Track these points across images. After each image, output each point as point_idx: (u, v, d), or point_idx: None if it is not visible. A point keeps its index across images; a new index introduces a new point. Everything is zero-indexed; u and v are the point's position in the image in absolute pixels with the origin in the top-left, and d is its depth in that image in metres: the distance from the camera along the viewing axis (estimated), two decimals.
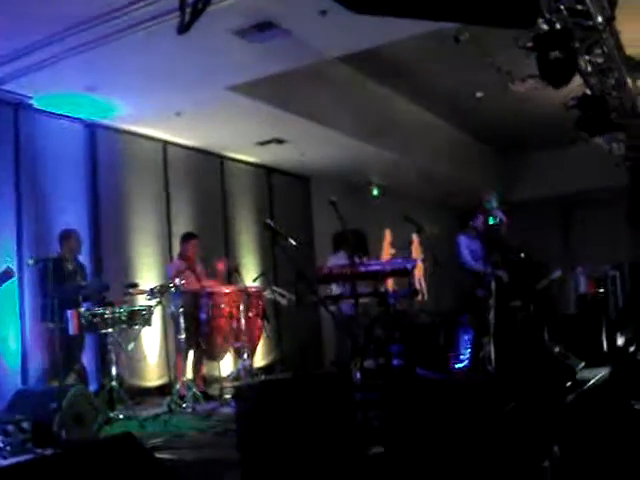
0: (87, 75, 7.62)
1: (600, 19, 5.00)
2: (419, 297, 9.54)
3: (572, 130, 8.68)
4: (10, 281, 6.37)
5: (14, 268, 6.80)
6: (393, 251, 12.91)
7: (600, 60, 5.98)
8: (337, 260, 8.81)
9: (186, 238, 8.93)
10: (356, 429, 4.22)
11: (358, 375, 7.31)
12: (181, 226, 10.00)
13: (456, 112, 12.90)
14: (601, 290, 11.70)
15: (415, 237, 13.24)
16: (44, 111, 8.51)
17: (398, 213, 13.72)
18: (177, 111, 9.19)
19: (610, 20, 5.07)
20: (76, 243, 7.79)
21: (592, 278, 12.50)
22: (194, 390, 7.73)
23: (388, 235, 13.40)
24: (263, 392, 4.09)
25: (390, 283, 9.02)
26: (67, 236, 7.73)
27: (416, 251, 13.05)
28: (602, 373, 7.90)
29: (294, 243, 6.48)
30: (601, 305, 11.17)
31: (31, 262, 6.38)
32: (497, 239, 8.63)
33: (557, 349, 7.66)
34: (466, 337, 9.54)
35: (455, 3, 1.64)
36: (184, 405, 7.58)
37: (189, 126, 9.82)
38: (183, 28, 1.50)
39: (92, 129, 9.20)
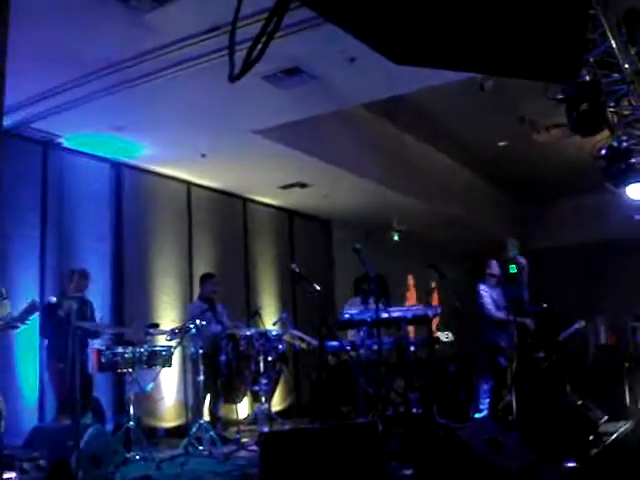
0: (116, 116, 7.73)
1: (628, 71, 5.02)
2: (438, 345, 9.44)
3: (596, 179, 8.68)
4: (35, 315, 6.39)
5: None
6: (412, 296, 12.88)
7: (627, 112, 5.99)
8: (352, 306, 8.80)
9: (205, 278, 8.94)
10: None
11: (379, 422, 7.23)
12: (203, 267, 10.02)
13: (478, 159, 12.93)
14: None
15: (435, 284, 13.21)
16: (72, 150, 8.63)
17: (417, 259, 13.77)
18: (202, 153, 9.27)
19: (638, 72, 5.08)
20: (82, 280, 7.71)
21: (612, 329, 12.39)
22: (211, 433, 7.67)
23: (412, 281, 13.38)
24: (289, 440, 4.05)
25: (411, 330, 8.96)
26: (71, 275, 7.68)
27: (436, 298, 12.99)
28: (625, 426, 7.78)
29: (318, 288, 6.48)
30: (622, 357, 11.03)
31: (54, 300, 6.41)
32: (518, 288, 8.56)
33: (579, 401, 7.54)
34: (486, 386, 9.44)
35: (501, 57, 1.65)
36: (201, 447, 7.51)
37: (214, 168, 9.90)
38: (234, 77, 1.51)
39: (118, 169, 9.29)
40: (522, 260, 8.49)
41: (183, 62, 6.75)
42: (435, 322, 9.79)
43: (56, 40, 6.16)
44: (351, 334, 8.45)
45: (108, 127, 8.03)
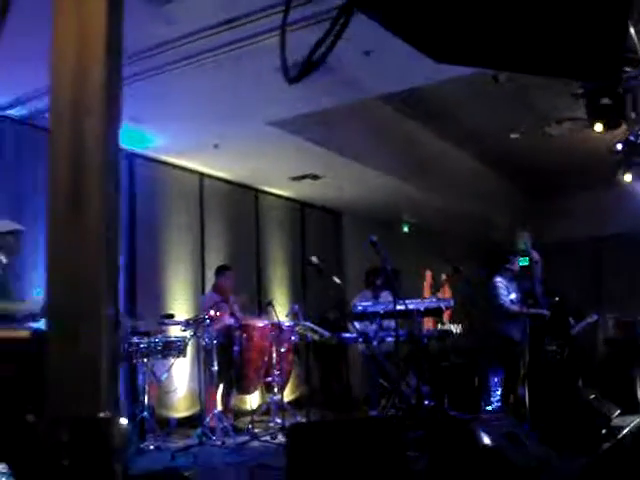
0: (130, 106, 7.72)
1: None
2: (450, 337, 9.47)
3: (608, 173, 8.67)
4: None
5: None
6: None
7: None
8: (363, 299, 8.83)
9: (221, 270, 8.97)
10: (408, 474, 4.19)
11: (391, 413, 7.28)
12: (214, 258, 10.05)
13: (490, 152, 12.90)
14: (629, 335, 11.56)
15: (446, 277, 13.25)
16: None
17: (428, 251, 13.78)
18: (215, 144, 9.28)
19: None
20: None
21: (622, 322, 12.36)
22: (224, 423, 7.71)
23: (429, 276, 13.42)
24: (316, 431, 4.09)
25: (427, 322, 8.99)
26: None
27: (447, 291, 13.04)
28: (636, 421, 7.77)
29: (337, 281, 6.50)
30: (633, 350, 11.02)
31: None
32: (530, 282, 8.56)
33: (592, 395, 7.55)
34: (497, 379, 9.47)
35: (542, 57, 1.66)
36: (214, 438, 7.55)
37: (226, 159, 9.91)
38: (292, 79, 1.52)
39: (131, 159, 9.31)
40: (536, 255, 8.48)
41: (199, 54, 6.76)
42: (447, 314, 9.82)
43: None
44: (358, 326, 8.45)
45: (124, 117, 8.02)
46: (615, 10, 1.58)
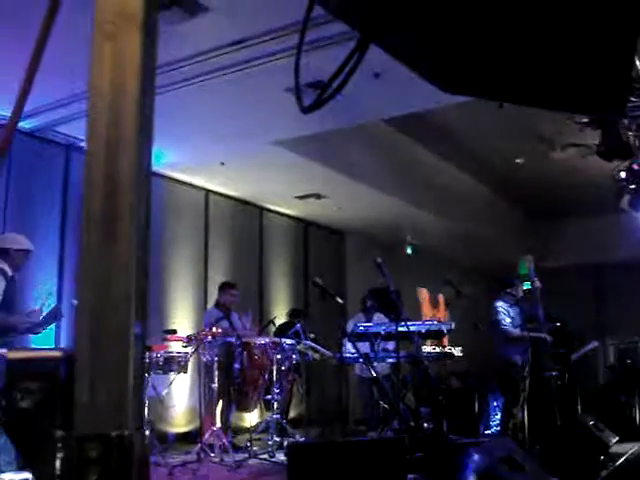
0: None
1: None
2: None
3: (611, 200, 8.70)
4: (57, 321, 6.43)
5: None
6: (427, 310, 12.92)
7: None
8: (355, 321, 8.87)
9: (224, 287, 8.99)
10: None
11: (389, 435, 7.28)
12: (218, 274, 10.09)
13: (494, 176, 12.97)
14: (629, 362, 11.56)
15: (442, 298, 13.30)
16: None
17: (429, 273, 13.80)
18: (222, 161, 9.35)
19: None
20: None
21: (622, 349, 12.36)
22: (223, 440, 7.70)
23: (426, 294, 13.43)
24: (318, 452, 4.09)
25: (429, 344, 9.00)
26: None
27: (442, 311, 13.08)
28: (635, 448, 7.76)
29: (340, 301, 6.53)
30: (633, 377, 11.02)
31: (76, 303, 6.44)
32: (532, 306, 8.57)
33: (591, 422, 7.54)
34: (497, 403, 9.46)
35: (546, 90, 1.70)
36: (212, 454, 7.54)
37: (232, 176, 9.99)
38: (306, 109, 1.56)
39: None
40: (537, 281, 8.49)
41: (206, 73, 6.86)
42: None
43: (84, 47, 6.24)
44: (350, 347, 8.44)
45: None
46: (622, 44, 1.62)
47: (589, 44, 1.58)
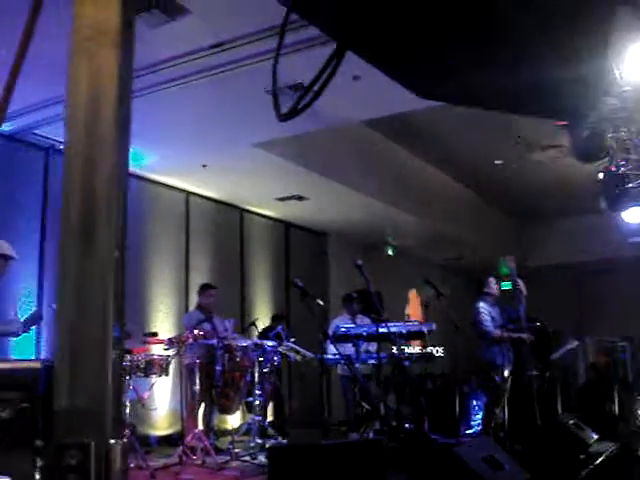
0: None
1: (630, 99, 5.11)
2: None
3: (590, 200, 8.77)
4: (36, 325, 6.41)
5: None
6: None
7: (625, 138, 6.10)
8: (340, 321, 8.89)
9: (204, 289, 8.98)
10: None
11: (371, 436, 7.30)
12: (199, 276, 10.07)
13: (475, 177, 13.05)
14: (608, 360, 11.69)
15: (413, 296, 13.43)
16: None
17: (413, 275, 13.85)
18: (203, 163, 9.34)
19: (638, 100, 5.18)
20: None
21: (602, 348, 12.46)
22: (205, 442, 7.69)
23: (412, 295, 13.52)
24: (298, 454, 4.11)
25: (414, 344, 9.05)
26: None
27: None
28: (613, 446, 7.82)
29: (321, 303, 6.54)
30: (612, 376, 11.13)
31: (55, 307, 6.42)
32: (514, 306, 8.62)
33: (571, 421, 7.60)
34: (479, 403, 9.51)
35: (523, 97, 1.73)
36: (194, 457, 7.53)
37: (213, 179, 9.98)
38: (282, 116, 1.57)
39: None
40: (521, 284, 8.55)
41: (187, 76, 6.85)
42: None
43: (62, 50, 6.21)
44: (332, 348, 8.47)
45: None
46: (596, 50, 1.65)
47: (561, 50, 1.60)
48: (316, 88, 1.63)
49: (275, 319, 10.74)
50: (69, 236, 0.93)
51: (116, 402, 0.94)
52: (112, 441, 0.92)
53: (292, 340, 8.77)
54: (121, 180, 0.97)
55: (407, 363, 8.03)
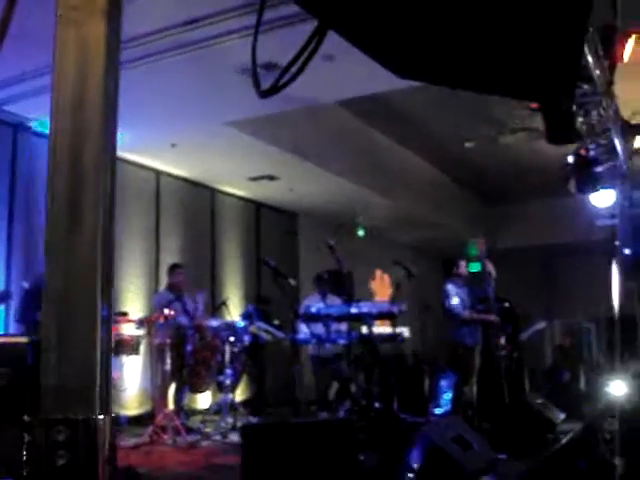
0: None
1: (601, 83, 5.15)
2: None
3: (558, 183, 8.85)
4: (4, 303, 6.37)
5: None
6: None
7: (595, 122, 6.13)
8: (311, 302, 8.90)
9: (172, 269, 8.95)
10: (360, 474, 4.28)
11: (342, 415, 7.34)
12: (169, 256, 10.02)
13: (445, 159, 13.10)
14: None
15: (378, 273, 13.49)
16: (42, 134, 8.53)
17: (384, 256, 13.91)
18: (173, 142, 9.27)
19: (610, 84, 5.22)
20: None
21: (568, 330, 12.65)
22: (176, 422, 7.69)
23: (378, 273, 13.56)
24: (271, 432, 4.14)
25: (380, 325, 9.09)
26: None
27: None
28: (581, 426, 7.95)
29: (294, 283, 6.55)
30: (577, 357, 11.31)
31: (27, 285, 6.40)
32: (482, 287, 8.71)
33: (539, 400, 7.72)
34: (447, 382, 9.60)
35: (496, 77, 1.74)
36: (165, 436, 7.53)
37: (183, 157, 9.91)
38: (263, 93, 1.56)
39: None
40: (490, 266, 8.63)
41: (158, 53, 6.77)
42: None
43: (33, 24, 6.11)
44: (304, 328, 8.48)
45: None
46: (571, 32, 1.66)
47: (538, 30, 1.61)
48: (294, 70, 1.61)
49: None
50: (56, 217, 0.92)
51: (104, 378, 0.94)
52: (101, 417, 0.92)
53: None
54: (110, 150, 0.97)
55: (377, 343, 8.07)
